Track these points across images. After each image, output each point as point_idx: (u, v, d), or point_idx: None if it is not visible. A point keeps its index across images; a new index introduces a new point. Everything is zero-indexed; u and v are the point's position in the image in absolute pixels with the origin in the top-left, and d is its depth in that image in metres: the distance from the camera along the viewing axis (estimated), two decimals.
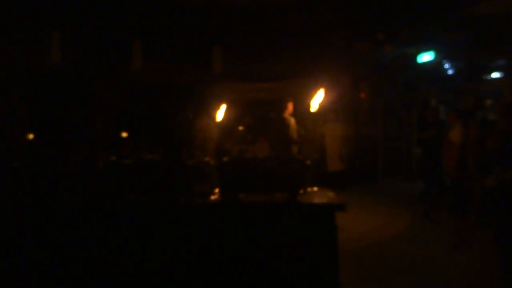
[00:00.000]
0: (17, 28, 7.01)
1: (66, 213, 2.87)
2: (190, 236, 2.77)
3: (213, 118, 4.28)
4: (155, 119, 8.95)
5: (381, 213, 7.02)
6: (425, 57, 8.84)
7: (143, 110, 9.35)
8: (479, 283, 4.01)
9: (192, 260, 2.75)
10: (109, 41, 7.89)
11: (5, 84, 7.61)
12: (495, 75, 9.36)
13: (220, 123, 4.19)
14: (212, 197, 2.96)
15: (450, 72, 9.86)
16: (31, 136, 6.63)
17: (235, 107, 7.78)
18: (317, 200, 2.92)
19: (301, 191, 2.92)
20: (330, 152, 7.03)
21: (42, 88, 8.08)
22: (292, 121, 5.85)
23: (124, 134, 8.00)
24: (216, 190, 3.01)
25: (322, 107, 3.51)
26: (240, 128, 8.06)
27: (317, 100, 3.46)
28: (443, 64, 9.57)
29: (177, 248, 2.77)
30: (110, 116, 8.79)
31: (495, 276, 4.12)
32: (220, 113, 4.08)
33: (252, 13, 7.53)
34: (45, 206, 2.90)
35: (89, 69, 8.56)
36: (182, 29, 7.94)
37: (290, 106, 5.89)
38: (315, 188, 3.18)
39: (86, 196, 3.03)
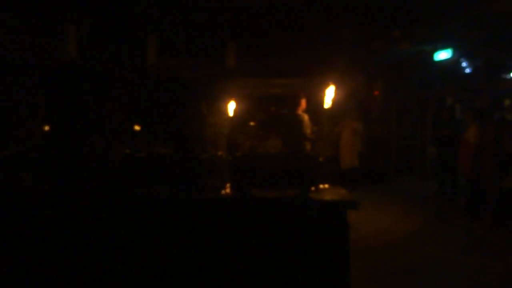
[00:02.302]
0: (34, 21, 7.12)
1: (81, 203, 2.92)
2: (201, 230, 2.79)
3: (226, 113, 4.30)
4: (169, 113, 9.01)
5: (393, 212, 6.95)
6: (442, 55, 8.68)
7: (156, 104, 9.42)
8: (492, 284, 3.95)
9: (203, 253, 2.76)
10: (124, 35, 7.95)
11: (22, 77, 7.75)
12: None
13: (233, 118, 4.20)
14: (224, 192, 2.97)
15: (467, 70, 9.68)
16: (47, 128, 6.74)
17: (248, 102, 7.78)
18: (328, 197, 2.91)
19: (313, 188, 2.91)
20: (344, 150, 6.99)
21: (58, 81, 8.20)
22: (305, 117, 5.82)
23: (137, 128, 8.08)
24: (228, 185, 3.02)
25: (336, 104, 3.49)
26: (252, 123, 8.07)
27: (330, 97, 3.44)
28: (460, 63, 9.40)
29: (189, 242, 2.79)
30: (125, 109, 8.88)
31: (509, 278, 4.05)
32: (233, 108, 4.08)
33: (267, 8, 7.50)
34: (60, 196, 2.95)
35: (105, 62, 8.65)
36: (196, 24, 7.95)
37: (303, 103, 5.87)
38: (327, 185, 3.17)
39: (100, 187, 3.07)
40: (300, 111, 5.86)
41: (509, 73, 9.25)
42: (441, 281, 4.02)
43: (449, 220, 6.35)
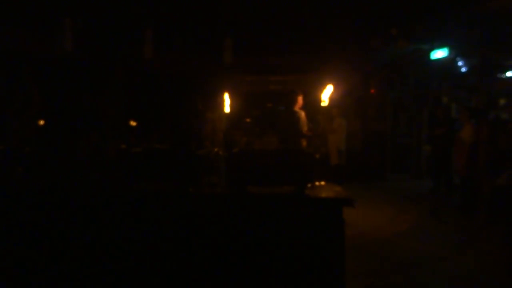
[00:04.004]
0: (30, 15, 7.06)
1: (75, 199, 2.90)
2: (197, 227, 2.78)
3: (222, 109, 4.28)
4: (165, 108, 8.98)
5: (388, 210, 6.99)
6: (439, 53, 8.72)
7: (153, 99, 9.39)
8: (485, 282, 3.99)
9: (199, 249, 2.76)
10: (120, 29, 7.91)
11: (18, 70, 7.67)
12: (510, 73, 9.21)
13: (229, 114, 4.18)
14: (220, 188, 2.96)
15: (463, 69, 9.72)
16: (42, 122, 6.70)
17: (245, 99, 7.77)
18: (324, 194, 2.91)
19: (309, 185, 2.92)
20: (331, 147, 7.16)
21: (54, 75, 8.15)
22: (302, 114, 5.83)
23: (133, 123, 8.04)
24: (225, 181, 3.01)
25: (332, 101, 3.49)
26: (249, 120, 8.07)
27: (327, 94, 3.43)
28: (457, 61, 9.44)
29: (184, 238, 2.79)
30: (120, 104, 8.84)
31: (502, 276, 4.09)
32: (229, 105, 4.06)
33: (264, 5, 7.50)
34: (55, 192, 2.94)
35: (100, 57, 8.60)
36: (193, 20, 7.93)
37: (300, 100, 5.87)
38: (323, 182, 3.17)
39: (95, 183, 3.06)
40: (297, 108, 5.85)
41: (505, 73, 9.30)
42: (435, 279, 4.05)
43: (443, 218, 6.39)
